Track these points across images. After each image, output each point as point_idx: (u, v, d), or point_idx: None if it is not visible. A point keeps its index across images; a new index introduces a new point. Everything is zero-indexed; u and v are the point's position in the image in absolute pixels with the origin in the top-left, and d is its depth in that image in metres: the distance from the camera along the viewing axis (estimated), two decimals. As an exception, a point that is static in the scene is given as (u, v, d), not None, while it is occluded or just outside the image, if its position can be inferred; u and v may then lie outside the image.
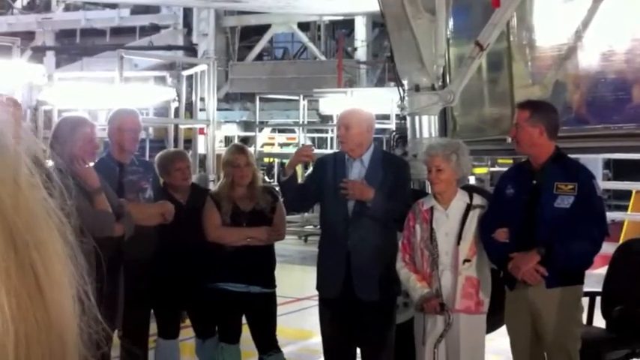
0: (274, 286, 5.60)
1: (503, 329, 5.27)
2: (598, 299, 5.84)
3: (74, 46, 23.65)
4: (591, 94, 6.12)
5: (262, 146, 18.68)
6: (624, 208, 14.89)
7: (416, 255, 4.95)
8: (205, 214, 5.55)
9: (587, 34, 6.01)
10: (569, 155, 5.05)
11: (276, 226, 5.60)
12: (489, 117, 6.90)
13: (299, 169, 6.48)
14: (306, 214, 14.44)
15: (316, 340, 6.19)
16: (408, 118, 6.61)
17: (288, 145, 20.01)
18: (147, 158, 9.41)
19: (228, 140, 18.20)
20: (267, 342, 5.58)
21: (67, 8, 24.46)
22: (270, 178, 16.79)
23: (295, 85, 19.34)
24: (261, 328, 5.59)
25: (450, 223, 4.88)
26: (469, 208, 4.90)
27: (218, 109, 12.90)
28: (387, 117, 14.73)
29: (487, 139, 6.75)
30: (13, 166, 0.59)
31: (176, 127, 12.00)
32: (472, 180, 11.96)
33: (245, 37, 22.75)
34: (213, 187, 7.22)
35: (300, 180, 5.92)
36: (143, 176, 5.50)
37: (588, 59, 6.08)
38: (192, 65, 12.40)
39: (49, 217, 0.60)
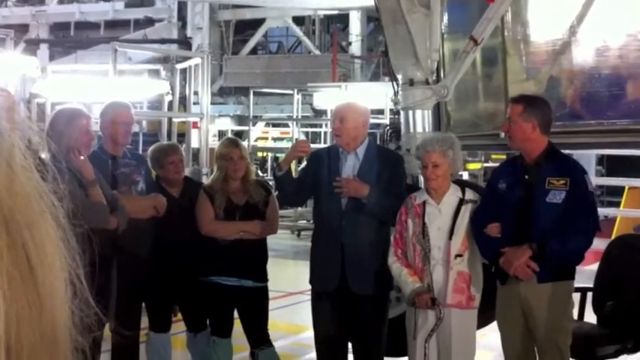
0: (266, 280, 5.59)
1: (494, 324, 5.27)
2: (589, 295, 5.85)
3: (68, 39, 23.59)
4: (585, 90, 6.12)
5: (256, 140, 18.67)
6: (617, 204, 14.94)
7: (408, 249, 4.93)
8: (198, 208, 5.54)
9: (582, 29, 6.01)
10: (563, 151, 5.06)
11: (270, 220, 5.60)
12: (483, 112, 6.90)
13: (292, 163, 6.47)
14: (299, 208, 14.44)
15: (308, 334, 6.19)
16: (402, 113, 6.61)
17: (281, 139, 20.02)
18: (140, 152, 9.38)
19: (221, 134, 18.17)
20: (259, 336, 5.57)
21: (62, 1, 24.42)
22: (263, 173, 16.80)
23: (290, 80, 19.33)
24: (253, 322, 5.59)
25: (443, 218, 4.86)
26: (461, 202, 4.88)
27: (212, 103, 12.89)
28: (381, 112, 14.72)
29: (481, 134, 6.76)
30: (7, 150, 0.59)
31: (170, 120, 11.96)
32: (465, 175, 11.98)
33: (239, 31, 22.74)
34: (206, 180, 7.21)
35: (293, 174, 5.91)
36: (135, 169, 5.47)
37: (583, 55, 6.09)
38: (186, 59, 12.37)
39: (41, 199, 0.61)
